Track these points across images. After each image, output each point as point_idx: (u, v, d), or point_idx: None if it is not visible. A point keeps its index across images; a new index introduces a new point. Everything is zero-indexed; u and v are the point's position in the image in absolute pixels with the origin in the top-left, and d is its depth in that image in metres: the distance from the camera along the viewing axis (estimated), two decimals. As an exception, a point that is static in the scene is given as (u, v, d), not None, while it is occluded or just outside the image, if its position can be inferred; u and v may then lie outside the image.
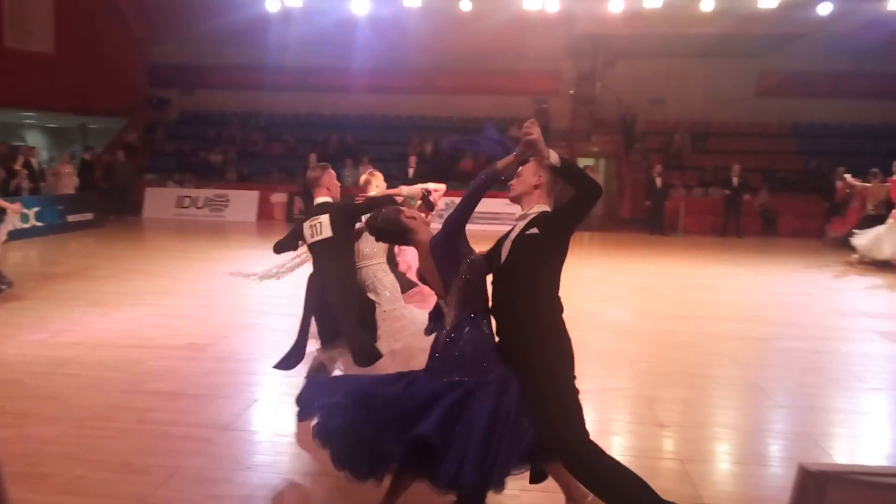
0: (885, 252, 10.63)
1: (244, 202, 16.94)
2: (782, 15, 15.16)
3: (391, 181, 5.43)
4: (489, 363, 2.72)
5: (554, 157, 2.66)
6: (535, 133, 2.65)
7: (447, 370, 2.71)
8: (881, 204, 11.67)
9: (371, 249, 4.03)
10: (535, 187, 2.82)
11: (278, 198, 16.79)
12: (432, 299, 3.15)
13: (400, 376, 2.85)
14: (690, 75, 18.12)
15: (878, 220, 11.29)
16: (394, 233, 2.99)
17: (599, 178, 17.37)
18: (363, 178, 4.88)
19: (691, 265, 11.33)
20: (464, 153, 16.89)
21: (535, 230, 2.74)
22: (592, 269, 10.43)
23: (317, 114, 19.76)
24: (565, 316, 2.90)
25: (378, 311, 3.91)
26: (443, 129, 18.59)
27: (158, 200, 17.04)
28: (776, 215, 16.27)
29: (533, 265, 2.75)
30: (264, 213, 16.84)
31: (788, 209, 16.38)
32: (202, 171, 18.06)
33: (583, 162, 18.41)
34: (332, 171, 4.16)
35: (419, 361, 3.01)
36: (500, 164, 2.82)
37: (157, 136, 20.00)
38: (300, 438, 3.88)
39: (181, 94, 20.73)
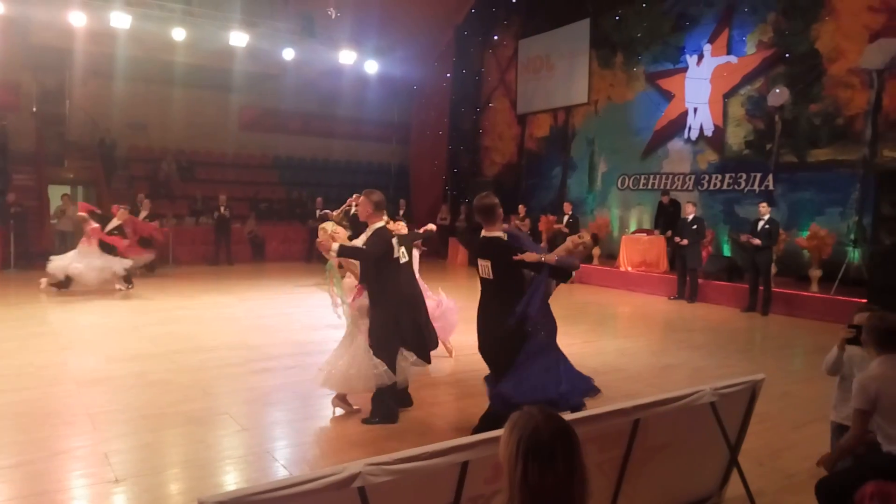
0: None
1: None
2: (253, 54, 16.25)
3: None
4: None
5: None
6: None
7: None
8: None
9: None
10: None
11: None
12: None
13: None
14: (172, 103, 17.75)
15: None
16: None
17: (75, 207, 15.45)
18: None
19: (179, 297, 10.99)
20: None
21: None
22: (61, 314, 9.16)
23: None
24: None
25: None
26: None
27: None
28: (264, 242, 17.31)
29: None
30: None
31: (275, 235, 17.62)
32: None
33: (58, 190, 16.22)
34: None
35: None
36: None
37: None
38: None
39: None
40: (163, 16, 14.70)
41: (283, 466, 4.13)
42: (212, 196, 16.82)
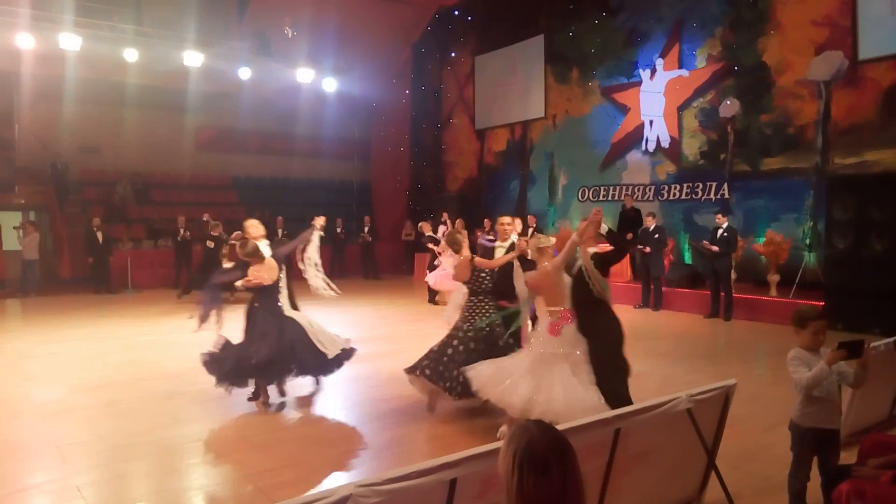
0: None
1: None
2: (208, 74, 16.05)
3: None
4: None
5: None
6: None
7: None
8: None
9: None
10: None
11: None
12: None
13: None
14: (126, 125, 17.37)
15: None
16: None
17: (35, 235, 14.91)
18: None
19: (141, 323, 10.69)
20: None
21: None
22: (19, 344, 8.83)
23: None
24: None
25: None
26: None
27: None
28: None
29: None
30: None
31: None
32: None
33: (8, 217, 15.70)
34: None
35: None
36: None
37: None
38: None
39: None
40: (114, 36, 14.45)
41: (261, 492, 4.05)
42: (169, 218, 16.49)
